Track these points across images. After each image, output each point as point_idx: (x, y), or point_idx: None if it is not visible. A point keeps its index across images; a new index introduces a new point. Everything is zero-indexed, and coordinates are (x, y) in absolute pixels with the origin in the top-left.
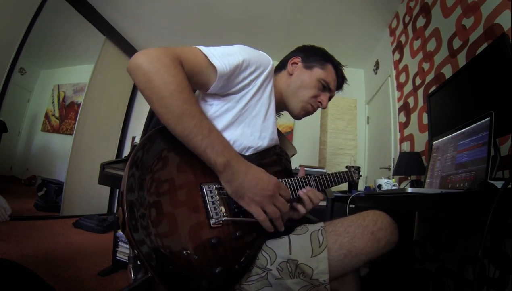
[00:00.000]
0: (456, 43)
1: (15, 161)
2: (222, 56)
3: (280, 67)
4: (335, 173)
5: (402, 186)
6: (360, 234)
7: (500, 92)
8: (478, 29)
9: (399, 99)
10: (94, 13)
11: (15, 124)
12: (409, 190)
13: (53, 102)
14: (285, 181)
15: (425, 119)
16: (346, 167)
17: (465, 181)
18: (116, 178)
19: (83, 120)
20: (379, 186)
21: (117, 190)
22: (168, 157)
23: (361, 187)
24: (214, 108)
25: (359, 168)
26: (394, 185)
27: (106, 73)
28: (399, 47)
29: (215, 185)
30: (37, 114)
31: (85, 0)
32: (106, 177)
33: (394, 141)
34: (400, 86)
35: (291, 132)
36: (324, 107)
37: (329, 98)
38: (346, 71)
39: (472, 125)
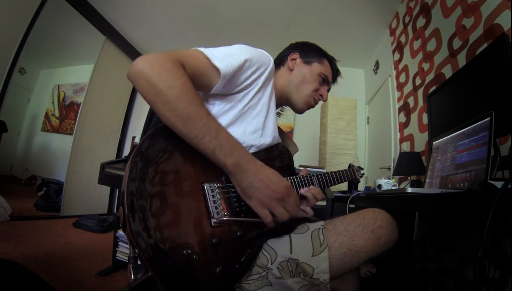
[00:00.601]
0: (456, 43)
1: (15, 161)
2: (224, 57)
3: (277, 64)
4: (338, 171)
5: (402, 186)
6: (360, 232)
7: (500, 92)
8: (478, 29)
9: (399, 99)
10: (94, 13)
11: (15, 124)
12: (409, 190)
13: (53, 102)
14: (289, 179)
15: (425, 119)
16: (349, 165)
17: (465, 181)
18: (116, 177)
19: (83, 120)
20: (379, 186)
21: (117, 189)
22: (169, 155)
23: (361, 187)
24: (216, 108)
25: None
26: (394, 185)
27: (106, 73)
28: (399, 47)
29: (217, 184)
30: (37, 114)
31: (85, 0)
32: (106, 177)
33: (394, 141)
34: (400, 86)
35: (291, 132)
36: (325, 100)
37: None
38: (346, 71)
39: (472, 126)
